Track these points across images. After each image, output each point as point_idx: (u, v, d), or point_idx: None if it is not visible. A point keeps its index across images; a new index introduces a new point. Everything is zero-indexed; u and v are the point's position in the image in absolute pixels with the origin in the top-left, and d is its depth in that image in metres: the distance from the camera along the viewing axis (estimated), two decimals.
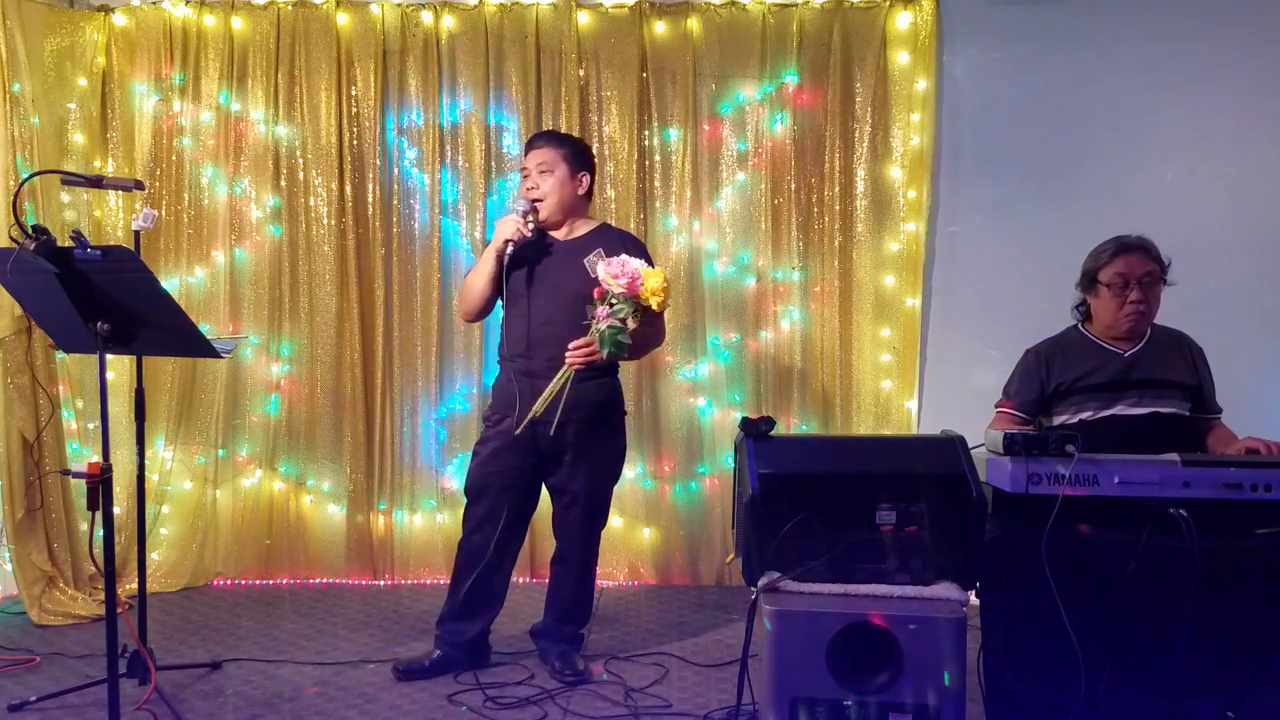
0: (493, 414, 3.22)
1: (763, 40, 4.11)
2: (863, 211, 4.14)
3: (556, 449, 3.12)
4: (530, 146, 3.23)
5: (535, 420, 3.01)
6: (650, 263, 3.12)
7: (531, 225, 3.10)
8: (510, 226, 3.06)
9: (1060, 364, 2.96)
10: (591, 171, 3.26)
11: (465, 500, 3.25)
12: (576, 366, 2.99)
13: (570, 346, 2.98)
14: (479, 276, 3.15)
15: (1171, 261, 2.94)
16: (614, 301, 2.93)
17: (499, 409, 3.19)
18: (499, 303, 3.20)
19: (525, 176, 3.20)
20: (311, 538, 4.28)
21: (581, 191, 3.22)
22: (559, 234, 3.22)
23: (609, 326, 2.93)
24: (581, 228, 3.24)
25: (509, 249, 3.05)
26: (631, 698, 3.06)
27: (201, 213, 4.20)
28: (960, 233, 4.16)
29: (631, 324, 2.95)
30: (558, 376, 3.00)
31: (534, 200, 3.14)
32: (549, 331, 3.07)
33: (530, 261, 3.13)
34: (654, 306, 2.94)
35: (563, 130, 4.12)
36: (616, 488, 4.21)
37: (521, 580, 4.23)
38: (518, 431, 3.04)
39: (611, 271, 2.91)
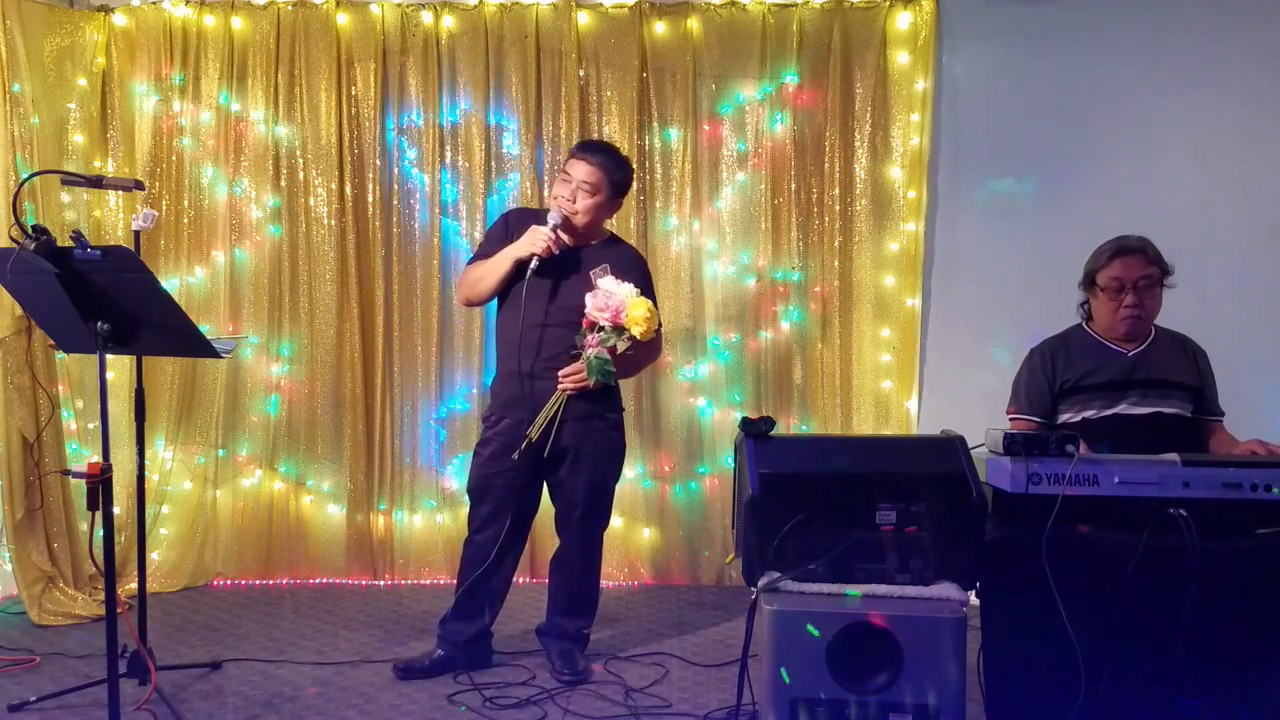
0: (491, 414, 3.24)
1: (763, 40, 4.11)
2: (862, 211, 4.14)
3: (557, 449, 3.13)
4: (581, 155, 3.14)
5: (532, 442, 3.06)
6: (650, 283, 3.23)
7: (561, 243, 3.10)
8: (542, 243, 3.03)
9: (1064, 361, 2.97)
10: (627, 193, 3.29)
11: (469, 501, 3.26)
12: (570, 392, 3.06)
13: (562, 374, 3.06)
14: (493, 274, 3.13)
15: (1174, 268, 2.93)
16: (603, 330, 3.00)
17: (496, 409, 3.22)
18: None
19: (565, 182, 3.14)
20: (311, 538, 4.28)
21: (612, 214, 3.27)
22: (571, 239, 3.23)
23: (597, 356, 3.01)
24: (594, 237, 3.26)
25: (534, 263, 3.04)
26: (631, 698, 3.06)
27: (201, 213, 4.20)
28: (960, 233, 4.15)
29: (621, 347, 3.02)
30: (551, 401, 3.06)
31: (567, 214, 3.12)
32: (546, 335, 3.10)
33: (540, 262, 3.10)
34: (638, 336, 3.00)
35: (562, 130, 4.14)
36: (617, 487, 4.24)
37: (522, 580, 4.23)
38: (516, 456, 3.08)
39: (598, 304, 2.99)
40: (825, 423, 4.16)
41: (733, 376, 4.22)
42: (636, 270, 3.20)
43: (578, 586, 3.33)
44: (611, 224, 4.15)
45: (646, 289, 3.17)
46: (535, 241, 3.04)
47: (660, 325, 3.27)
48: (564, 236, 3.11)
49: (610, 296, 2.99)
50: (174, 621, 3.75)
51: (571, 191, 3.11)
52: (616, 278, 3.08)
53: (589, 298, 3.01)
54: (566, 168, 3.17)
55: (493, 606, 3.29)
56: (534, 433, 3.05)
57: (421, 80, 4.18)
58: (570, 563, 3.31)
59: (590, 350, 3.03)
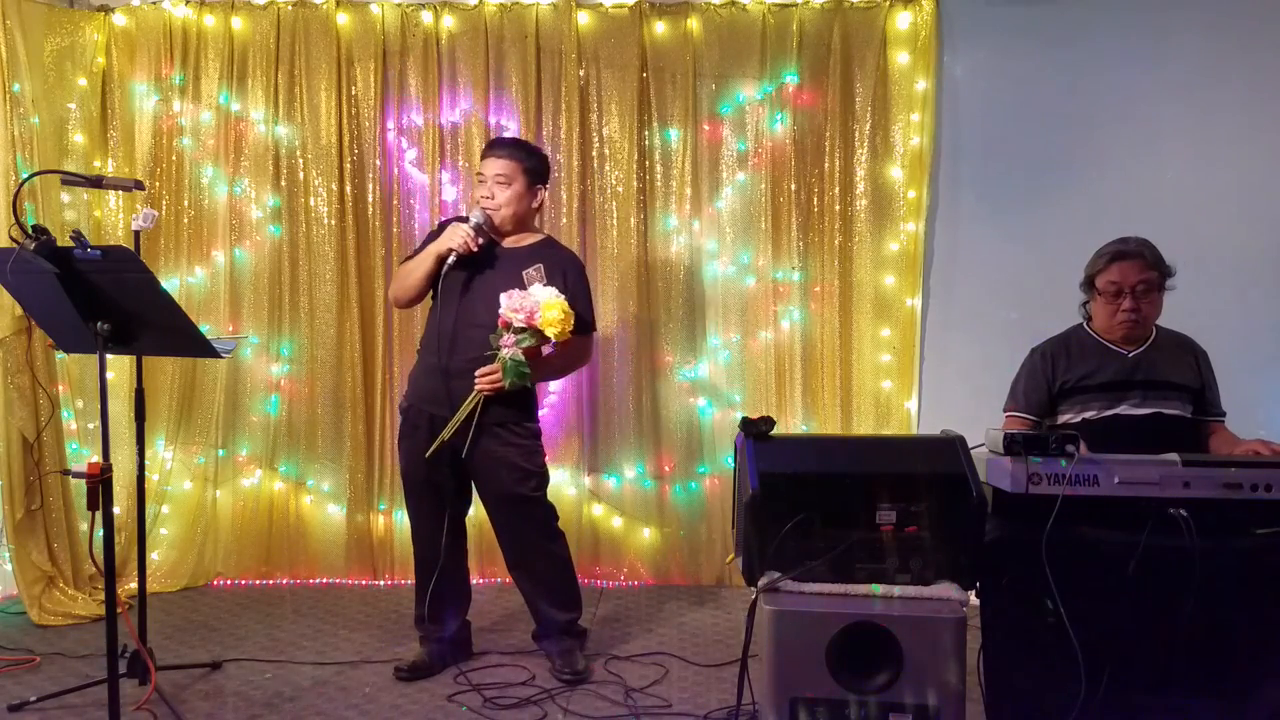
0: (408, 405, 3.25)
1: (763, 40, 4.11)
2: (863, 211, 4.14)
3: (471, 460, 3.10)
4: (489, 153, 3.21)
5: (445, 442, 3.04)
6: (585, 287, 3.22)
7: (481, 241, 3.11)
8: (459, 238, 3.06)
9: (1065, 362, 2.98)
10: (546, 184, 3.30)
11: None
12: (485, 392, 3.04)
13: (478, 374, 3.04)
14: (416, 270, 3.16)
15: (1175, 270, 2.93)
16: (518, 331, 2.98)
17: (413, 399, 3.23)
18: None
19: (481, 182, 3.20)
20: (311, 538, 4.28)
21: (535, 205, 3.26)
22: (504, 240, 3.23)
23: (511, 357, 2.99)
24: (528, 238, 3.26)
25: (452, 258, 3.07)
26: (631, 697, 3.06)
27: (201, 213, 4.20)
28: (960, 232, 4.15)
29: (543, 337, 2.99)
30: (467, 402, 3.05)
31: (488, 211, 3.15)
32: (473, 334, 3.09)
33: (469, 262, 3.12)
34: (553, 337, 2.99)
35: (563, 131, 4.14)
36: (617, 487, 4.25)
37: None
38: (429, 456, 3.07)
39: (512, 305, 2.97)
40: (825, 423, 4.16)
41: (733, 376, 4.22)
42: (570, 272, 3.19)
43: (553, 581, 3.30)
44: (612, 224, 4.17)
45: (579, 293, 3.17)
46: (453, 237, 3.07)
47: (595, 330, 3.31)
48: (482, 241, 3.11)
49: (525, 297, 2.98)
50: (174, 621, 3.75)
51: (489, 189, 3.15)
52: (547, 280, 3.09)
53: (503, 297, 3.00)
54: (479, 169, 3.22)
55: (463, 601, 3.34)
56: (447, 434, 3.04)
57: (421, 80, 4.18)
58: (529, 565, 3.28)
59: (505, 351, 3.00)
